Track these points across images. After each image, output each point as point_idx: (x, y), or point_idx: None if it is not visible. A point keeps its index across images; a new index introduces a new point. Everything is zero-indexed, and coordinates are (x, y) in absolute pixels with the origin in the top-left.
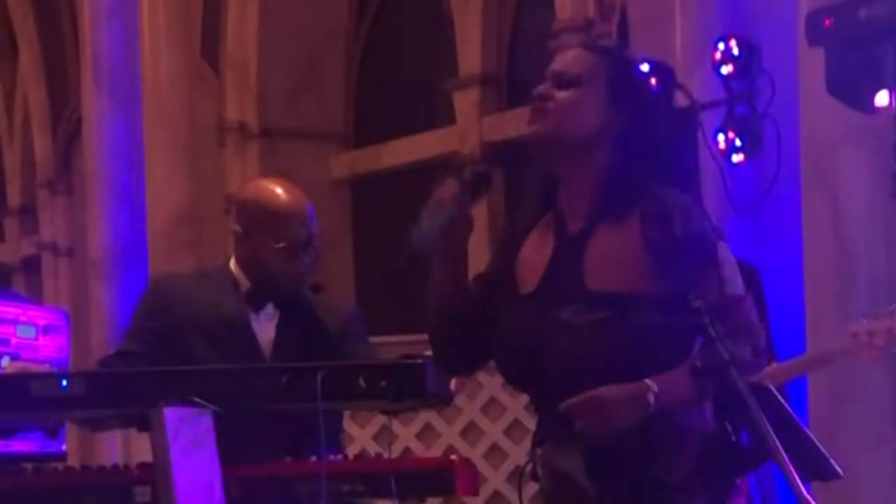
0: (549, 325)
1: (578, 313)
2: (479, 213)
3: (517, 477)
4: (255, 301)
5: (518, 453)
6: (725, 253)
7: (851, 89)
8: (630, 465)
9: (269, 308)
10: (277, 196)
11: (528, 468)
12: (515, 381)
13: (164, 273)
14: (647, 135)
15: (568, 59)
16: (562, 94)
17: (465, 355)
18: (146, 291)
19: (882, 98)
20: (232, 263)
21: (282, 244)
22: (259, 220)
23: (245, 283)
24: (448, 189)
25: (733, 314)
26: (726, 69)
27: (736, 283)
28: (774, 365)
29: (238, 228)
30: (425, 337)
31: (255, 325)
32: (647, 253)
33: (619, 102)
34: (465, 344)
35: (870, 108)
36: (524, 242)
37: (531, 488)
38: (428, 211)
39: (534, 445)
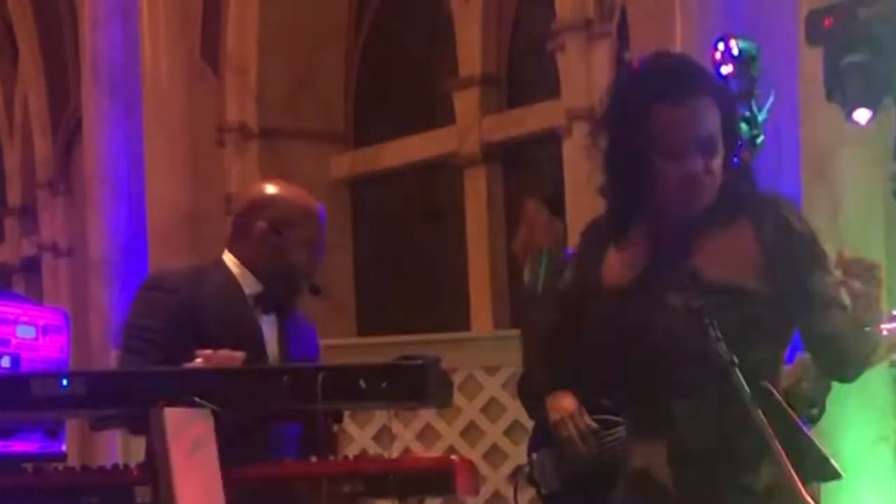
0: (658, 309)
1: (689, 298)
2: (479, 213)
3: (515, 478)
4: (266, 304)
5: (518, 453)
6: None
7: (849, 91)
8: (716, 464)
9: (272, 313)
10: (302, 195)
11: (526, 471)
12: (608, 372)
13: (163, 271)
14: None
15: (708, 123)
16: (715, 164)
17: (562, 375)
18: (147, 289)
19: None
20: (230, 262)
21: (308, 241)
22: (290, 217)
23: (250, 285)
24: (532, 212)
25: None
26: (726, 69)
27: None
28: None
29: (262, 224)
30: (425, 337)
31: (264, 329)
32: (761, 254)
33: (728, 132)
34: (561, 364)
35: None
36: (605, 254)
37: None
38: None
39: (530, 450)
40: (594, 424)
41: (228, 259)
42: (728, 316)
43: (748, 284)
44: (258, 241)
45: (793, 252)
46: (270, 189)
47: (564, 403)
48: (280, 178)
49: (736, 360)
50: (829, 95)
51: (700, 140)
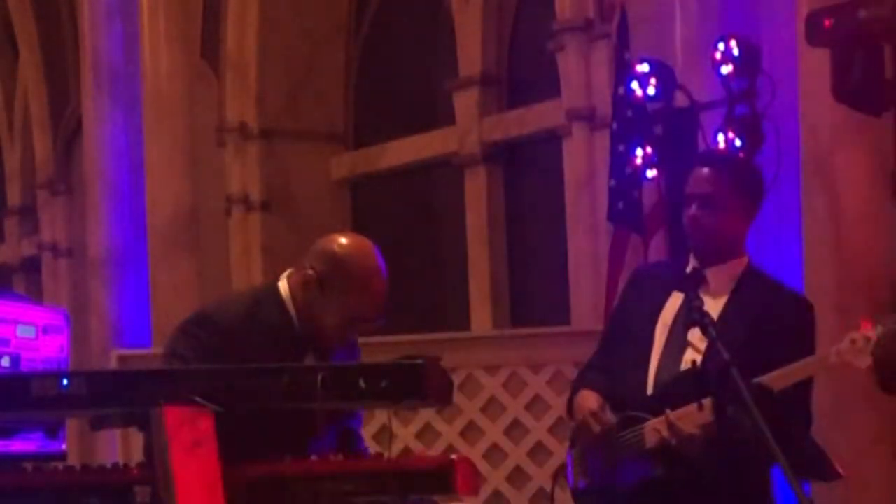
0: None
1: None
2: (479, 213)
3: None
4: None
5: (518, 453)
6: None
7: (855, 90)
8: None
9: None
10: (370, 272)
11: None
12: None
13: (221, 306)
14: None
15: None
16: None
17: None
18: (201, 327)
19: None
20: (284, 292)
21: (348, 315)
22: (342, 284)
23: (296, 319)
24: None
25: None
26: (726, 69)
27: None
28: (778, 370)
29: (312, 273)
30: (425, 337)
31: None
32: None
33: None
34: None
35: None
36: None
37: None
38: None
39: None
40: (613, 420)
41: (283, 288)
42: None
43: None
44: (306, 285)
45: None
46: (347, 252)
47: (588, 403)
48: (366, 241)
49: (734, 360)
50: (831, 96)
51: None
